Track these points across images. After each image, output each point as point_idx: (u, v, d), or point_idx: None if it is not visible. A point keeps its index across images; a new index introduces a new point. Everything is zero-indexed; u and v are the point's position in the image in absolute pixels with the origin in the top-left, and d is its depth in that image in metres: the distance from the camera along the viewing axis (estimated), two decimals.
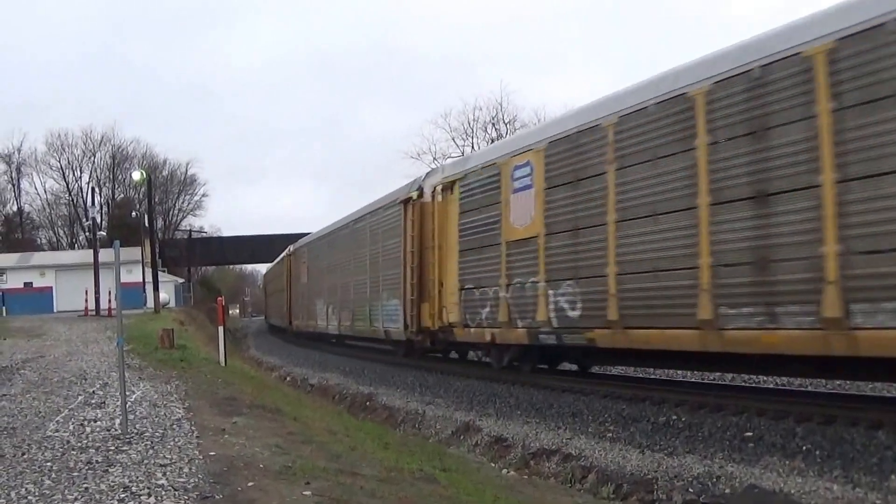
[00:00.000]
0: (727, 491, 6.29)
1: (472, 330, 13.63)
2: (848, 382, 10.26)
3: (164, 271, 48.76)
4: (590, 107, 11.04)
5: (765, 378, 11.19)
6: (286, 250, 35.98)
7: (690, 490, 6.45)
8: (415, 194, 16.38)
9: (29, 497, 4.72)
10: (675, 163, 8.99)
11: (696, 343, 8.71)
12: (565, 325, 10.97)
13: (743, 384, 11.33)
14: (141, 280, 39.31)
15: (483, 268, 13.21)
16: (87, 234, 53.80)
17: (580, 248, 10.64)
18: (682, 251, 8.85)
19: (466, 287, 13.78)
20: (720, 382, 11.69)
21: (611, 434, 8.57)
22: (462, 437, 9.88)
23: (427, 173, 17.04)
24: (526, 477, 7.95)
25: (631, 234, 9.68)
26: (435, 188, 15.34)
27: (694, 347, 8.85)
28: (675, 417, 8.82)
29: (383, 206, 19.10)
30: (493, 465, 8.58)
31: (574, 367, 13.86)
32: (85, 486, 4.94)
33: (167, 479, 5.05)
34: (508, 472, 8.21)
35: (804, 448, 6.96)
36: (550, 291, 11.26)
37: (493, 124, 48.41)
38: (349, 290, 21.95)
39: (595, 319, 10.29)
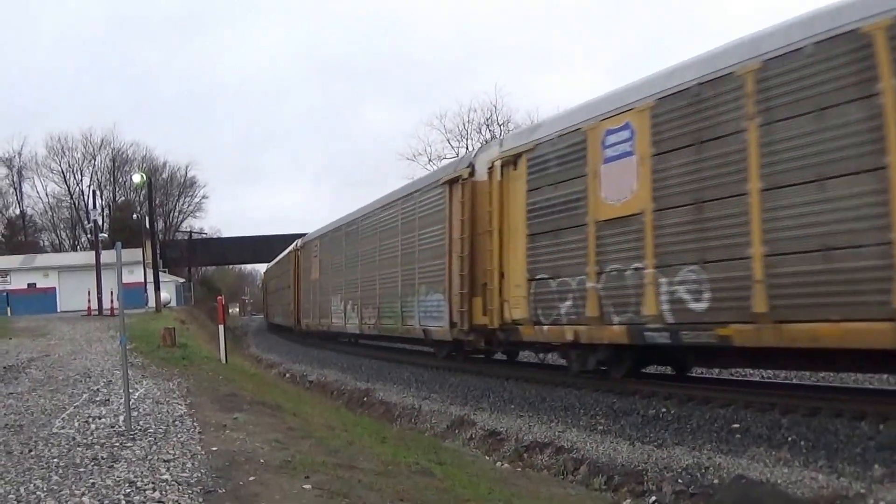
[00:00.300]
0: (715, 482, 6.41)
1: (546, 328, 11.41)
2: (831, 374, 10.34)
3: (165, 272, 48.98)
4: (714, 54, 9.03)
5: (751, 371, 11.32)
6: (293, 244, 33.27)
7: (679, 481, 6.59)
8: (465, 172, 14.23)
9: (38, 492, 4.82)
10: (849, 113, 7.27)
11: (890, 338, 6.97)
12: (685, 321, 8.99)
13: (729, 377, 11.45)
14: (142, 280, 39.50)
15: (561, 254, 11.07)
16: (89, 235, 54.10)
17: (708, 225, 8.71)
18: (865, 223, 7.14)
19: (538, 277, 11.54)
20: (707, 376, 11.79)
21: (602, 427, 8.70)
22: (457, 431, 10.04)
23: (479, 148, 14.56)
24: (519, 469, 8.10)
25: (785, 204, 7.80)
26: (493, 164, 13.00)
27: (886, 344, 7.07)
28: (664, 410, 8.95)
29: (421, 188, 16.81)
30: (487, 458, 8.73)
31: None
32: (91, 481, 5.04)
33: (171, 474, 5.16)
34: (502, 464, 8.35)
35: (790, 439, 7.08)
36: (662, 279, 9.26)
37: (488, 126, 48.67)
38: (374, 284, 19.69)
39: (731, 312, 8.40)
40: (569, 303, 10.89)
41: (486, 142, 15.28)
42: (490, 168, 13.16)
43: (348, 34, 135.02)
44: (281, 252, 40.19)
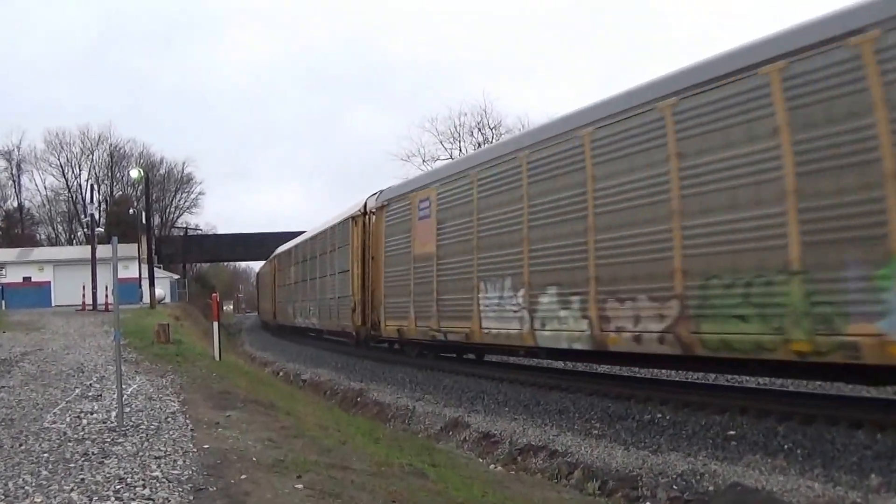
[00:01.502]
0: (710, 489, 6.37)
1: None
2: (828, 382, 10.19)
3: (160, 267, 49.01)
4: None
5: (747, 378, 11.27)
6: (357, 206, 20.95)
7: (674, 487, 6.54)
8: None
9: (26, 487, 4.79)
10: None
11: None
12: None
13: (726, 383, 11.37)
14: (137, 276, 39.42)
15: None
16: (86, 230, 54.19)
17: None
18: None
19: None
20: (703, 381, 11.72)
21: (596, 431, 8.67)
22: (451, 433, 9.98)
23: None
24: (513, 472, 8.05)
25: None
26: None
27: None
28: (659, 415, 8.93)
29: None
30: (481, 460, 8.69)
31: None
32: (81, 476, 5.01)
33: (162, 470, 5.13)
34: (496, 467, 8.31)
35: (786, 447, 7.07)
36: None
37: (479, 129, 49.38)
38: (665, 247, 9.17)
39: None
40: None
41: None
42: None
43: (339, 40, 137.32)
44: (276, 249, 39.50)
